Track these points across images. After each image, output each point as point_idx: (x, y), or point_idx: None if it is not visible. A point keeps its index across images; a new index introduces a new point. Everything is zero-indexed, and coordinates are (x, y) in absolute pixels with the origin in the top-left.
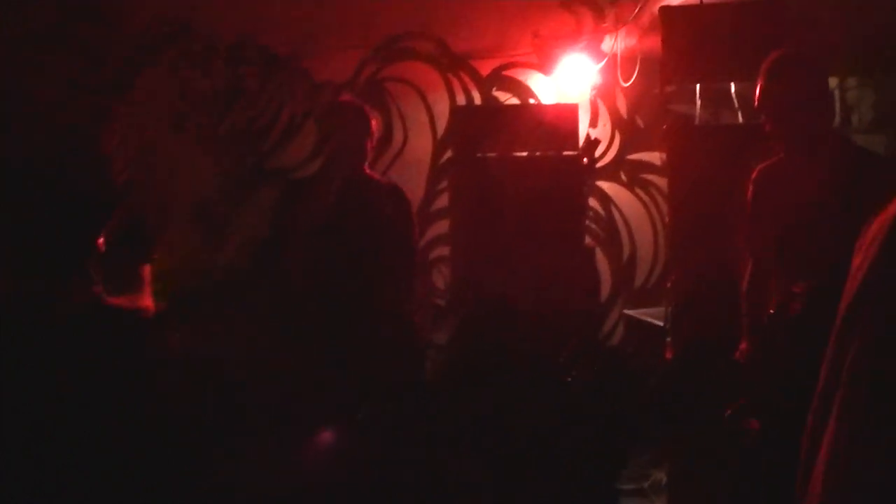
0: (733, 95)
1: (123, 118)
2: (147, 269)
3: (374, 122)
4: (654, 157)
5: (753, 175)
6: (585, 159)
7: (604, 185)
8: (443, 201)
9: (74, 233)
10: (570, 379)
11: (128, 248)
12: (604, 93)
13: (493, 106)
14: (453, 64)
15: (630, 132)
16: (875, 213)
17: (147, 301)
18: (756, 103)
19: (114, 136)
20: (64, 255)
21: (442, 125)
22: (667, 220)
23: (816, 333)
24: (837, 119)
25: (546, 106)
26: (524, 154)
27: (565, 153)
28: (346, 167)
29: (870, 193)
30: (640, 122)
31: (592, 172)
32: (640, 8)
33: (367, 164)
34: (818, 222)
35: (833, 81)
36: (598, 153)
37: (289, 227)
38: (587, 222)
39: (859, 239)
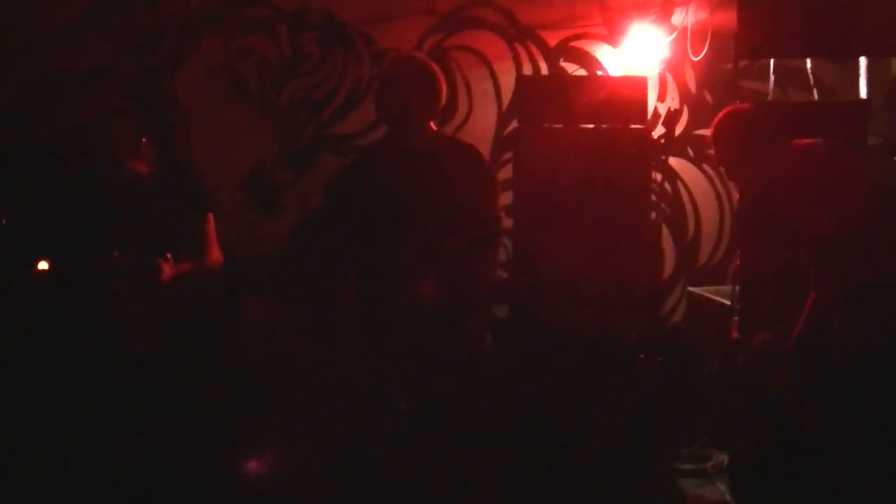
0: (809, 72)
1: (181, 85)
2: (210, 224)
3: (441, 80)
4: None
5: None
6: (665, 131)
7: (671, 160)
8: (506, 172)
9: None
10: (641, 358)
11: (184, 207)
12: (672, 67)
13: (560, 76)
14: (520, 34)
15: (698, 107)
16: None
17: (216, 255)
18: None
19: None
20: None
21: (507, 97)
22: (734, 197)
23: None
24: None
25: (614, 78)
26: (591, 126)
27: (633, 126)
28: (408, 133)
29: None
30: (708, 97)
31: (669, 146)
32: None
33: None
34: None
35: None
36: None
37: (344, 207)
38: (653, 197)
39: None
